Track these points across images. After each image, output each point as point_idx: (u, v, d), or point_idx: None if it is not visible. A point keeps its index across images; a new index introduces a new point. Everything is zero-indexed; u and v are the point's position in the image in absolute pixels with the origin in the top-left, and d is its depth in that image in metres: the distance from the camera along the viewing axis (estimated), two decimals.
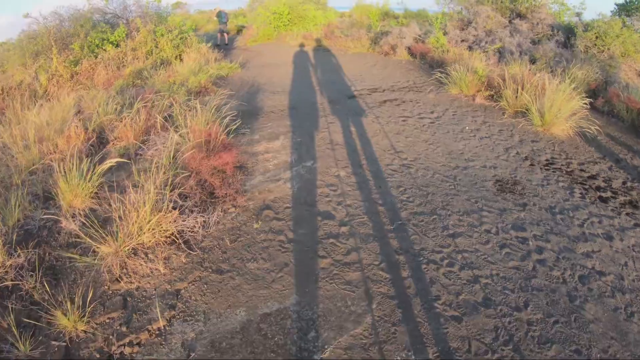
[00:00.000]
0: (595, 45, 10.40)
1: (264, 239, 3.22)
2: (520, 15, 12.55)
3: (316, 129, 5.49)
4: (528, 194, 4.03)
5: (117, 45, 10.28)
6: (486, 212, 3.64)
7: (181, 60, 10.66)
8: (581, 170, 4.62)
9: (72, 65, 9.47)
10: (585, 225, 3.54)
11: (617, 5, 13.87)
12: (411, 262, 2.97)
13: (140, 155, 4.68)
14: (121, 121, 5.16)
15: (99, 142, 5.14)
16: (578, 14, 12.64)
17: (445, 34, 11.35)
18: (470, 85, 7.33)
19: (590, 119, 5.83)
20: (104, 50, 9.99)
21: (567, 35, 11.33)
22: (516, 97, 6.44)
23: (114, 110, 5.53)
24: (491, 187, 4.13)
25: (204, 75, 7.91)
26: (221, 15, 15.60)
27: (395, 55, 10.65)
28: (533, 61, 9.77)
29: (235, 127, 5.09)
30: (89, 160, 4.85)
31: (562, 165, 4.71)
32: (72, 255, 2.95)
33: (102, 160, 4.91)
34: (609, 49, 10.05)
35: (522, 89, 6.46)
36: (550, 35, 11.55)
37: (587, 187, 4.23)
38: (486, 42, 10.94)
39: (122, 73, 9.08)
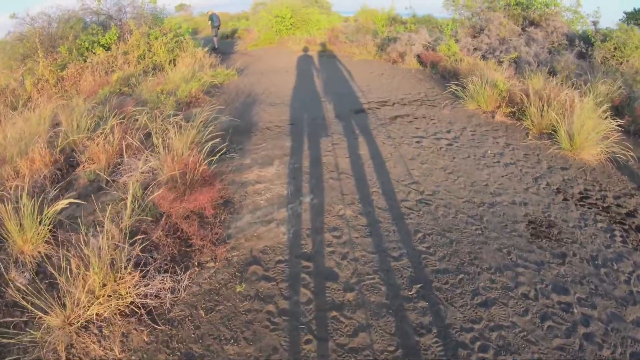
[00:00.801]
0: (614, 56, 9.72)
1: (249, 308, 2.54)
2: (533, 23, 11.88)
3: (318, 151, 4.81)
4: (566, 239, 3.35)
5: (108, 49, 9.66)
6: (521, 268, 2.96)
7: (175, 65, 10.05)
8: (618, 205, 3.95)
9: (59, 70, 8.84)
10: (631, 281, 2.88)
11: (626, 14, 13.21)
12: (436, 346, 2.28)
13: (113, 182, 4.02)
14: (94, 140, 4.50)
15: (67, 165, 4.48)
16: (594, 23, 11.98)
17: (456, 41, 10.68)
18: (489, 100, 6.64)
19: (621, 142, 5.14)
20: (94, 53, 9.37)
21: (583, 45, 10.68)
22: (541, 115, 5.76)
23: (87, 127, 4.87)
24: (524, 230, 3.45)
25: (195, 83, 7.25)
26: (212, 19, 15.02)
27: (403, 64, 9.98)
28: (552, 73, 9.08)
29: (222, 151, 4.43)
30: (53, 188, 4.22)
31: (597, 199, 4.04)
32: (6, 331, 2.28)
33: (69, 187, 4.26)
34: (627, 60, 9.36)
35: (548, 106, 5.79)
36: (566, 44, 10.87)
37: (626, 227, 3.58)
38: (501, 52, 10.25)
39: (110, 79, 8.43)
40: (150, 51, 10.04)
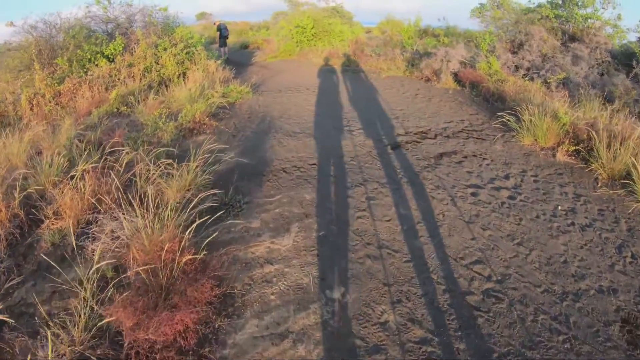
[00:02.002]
0: None
1: None
2: (574, 38, 10.65)
3: (349, 210, 3.71)
4: None
5: (113, 60, 8.81)
6: None
7: (185, 78, 9.15)
8: None
9: (56, 84, 8.00)
10: None
11: None
12: None
13: (81, 250, 3.01)
14: (61, 188, 3.50)
15: (28, 221, 3.50)
16: None
17: (491, 55, 9.51)
18: (548, 134, 5.49)
19: None
20: (96, 65, 8.52)
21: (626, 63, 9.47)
22: (614, 157, 4.60)
23: (59, 167, 3.89)
24: (618, 337, 2.35)
25: (201, 104, 6.25)
26: (221, 29, 14.17)
27: (439, 83, 8.84)
28: (608, 99, 7.85)
29: (221, 209, 3.38)
30: (8, 254, 3.23)
31: None
32: None
33: (30, 253, 3.26)
34: None
35: (620, 144, 4.66)
36: (609, 62, 9.62)
37: None
38: (547, 71, 9.03)
39: (110, 96, 7.52)
40: (157, 63, 9.15)
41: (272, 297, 2.60)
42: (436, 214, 3.69)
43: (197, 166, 3.72)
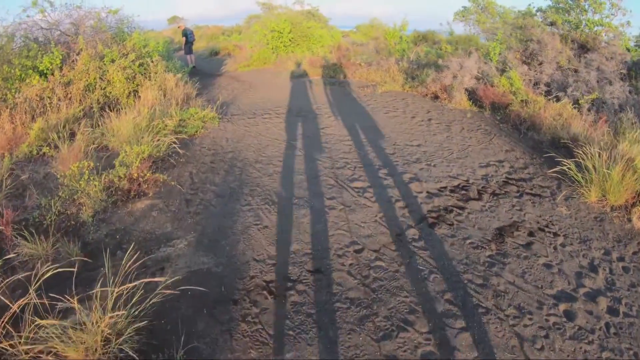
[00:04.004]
0: None
1: None
2: (584, 47, 9.33)
3: None
4: None
5: (51, 75, 6.83)
6: None
7: (138, 97, 7.31)
8: None
9: None
10: None
11: None
12: None
13: None
14: None
15: None
16: None
17: (507, 67, 8.05)
18: (623, 189, 4.01)
19: None
20: (27, 84, 6.53)
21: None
22: None
23: None
24: None
25: (146, 146, 4.44)
26: (187, 34, 12.30)
27: (450, 102, 7.28)
28: None
29: None
30: None
31: None
32: None
33: None
34: None
35: None
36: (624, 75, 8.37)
37: None
38: (574, 89, 7.59)
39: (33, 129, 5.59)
40: (102, 79, 7.24)
41: None
42: None
43: (118, 294, 1.96)
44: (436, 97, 7.66)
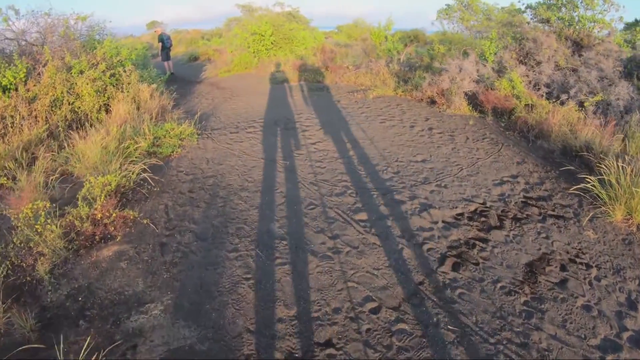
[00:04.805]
0: None
1: None
2: (578, 44, 9.00)
3: None
4: None
5: (15, 90, 6.15)
6: None
7: (109, 112, 6.69)
8: None
9: None
10: None
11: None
12: None
13: None
14: None
15: None
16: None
17: (504, 68, 7.64)
18: None
19: None
20: None
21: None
22: None
23: None
24: None
25: (114, 175, 3.83)
26: (163, 40, 11.64)
27: (449, 107, 6.81)
28: None
29: None
30: None
31: None
32: None
33: None
34: None
35: None
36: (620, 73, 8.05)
37: None
38: (577, 91, 7.19)
39: None
40: (70, 93, 6.57)
41: None
42: None
43: None
44: (433, 102, 7.19)
